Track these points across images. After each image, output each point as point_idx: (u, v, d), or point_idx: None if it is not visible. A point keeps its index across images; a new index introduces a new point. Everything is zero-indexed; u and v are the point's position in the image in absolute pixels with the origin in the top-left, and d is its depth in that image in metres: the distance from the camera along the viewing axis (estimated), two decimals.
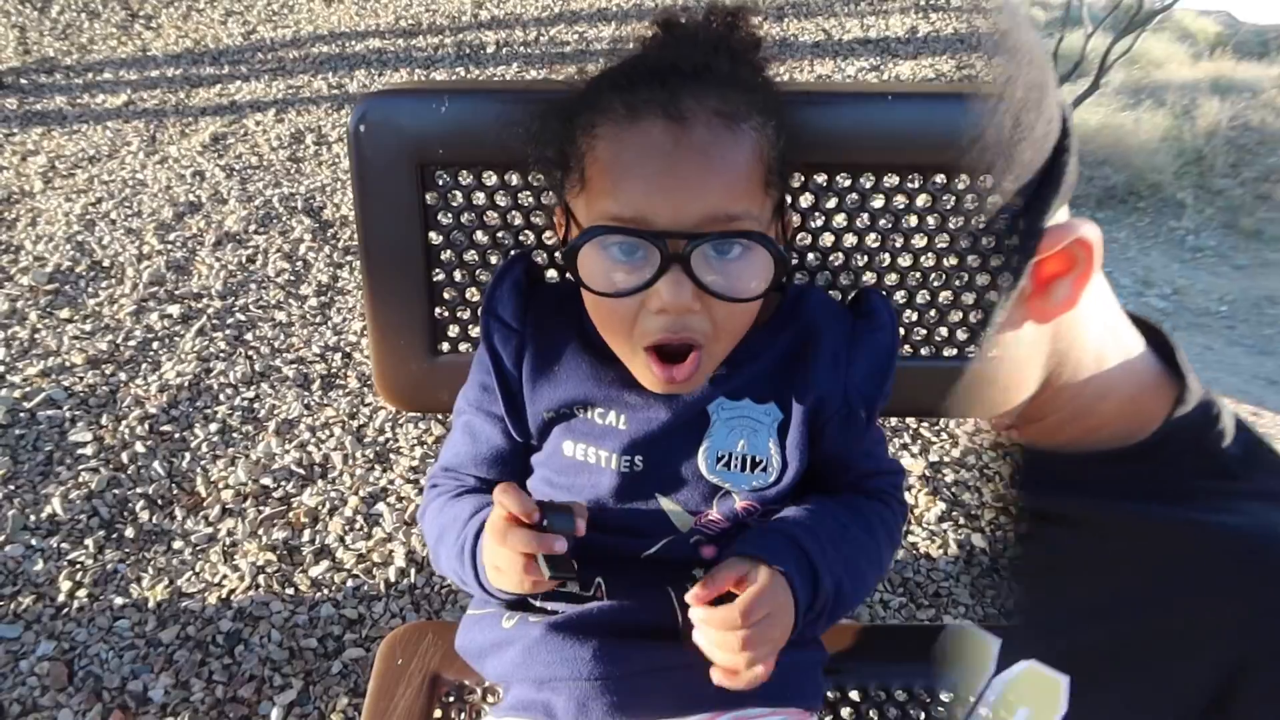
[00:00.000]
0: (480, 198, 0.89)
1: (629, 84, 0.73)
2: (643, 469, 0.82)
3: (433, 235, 0.90)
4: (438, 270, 0.92)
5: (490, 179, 0.88)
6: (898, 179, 0.89)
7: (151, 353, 2.32)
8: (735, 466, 0.81)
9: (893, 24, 4.59)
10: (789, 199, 0.85)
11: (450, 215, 0.90)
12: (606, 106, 0.72)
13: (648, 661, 0.80)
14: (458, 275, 0.93)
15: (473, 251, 0.92)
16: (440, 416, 2.03)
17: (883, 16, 4.71)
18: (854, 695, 0.95)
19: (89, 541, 1.77)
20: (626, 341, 0.76)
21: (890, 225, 0.91)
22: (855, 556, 0.81)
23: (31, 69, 4.21)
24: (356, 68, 4.21)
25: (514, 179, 0.88)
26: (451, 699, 0.92)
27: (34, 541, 1.77)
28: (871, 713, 0.94)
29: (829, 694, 0.95)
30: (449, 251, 0.91)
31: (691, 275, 0.71)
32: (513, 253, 0.92)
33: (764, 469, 0.81)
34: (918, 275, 0.93)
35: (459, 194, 0.89)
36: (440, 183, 0.88)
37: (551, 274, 0.92)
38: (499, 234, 0.91)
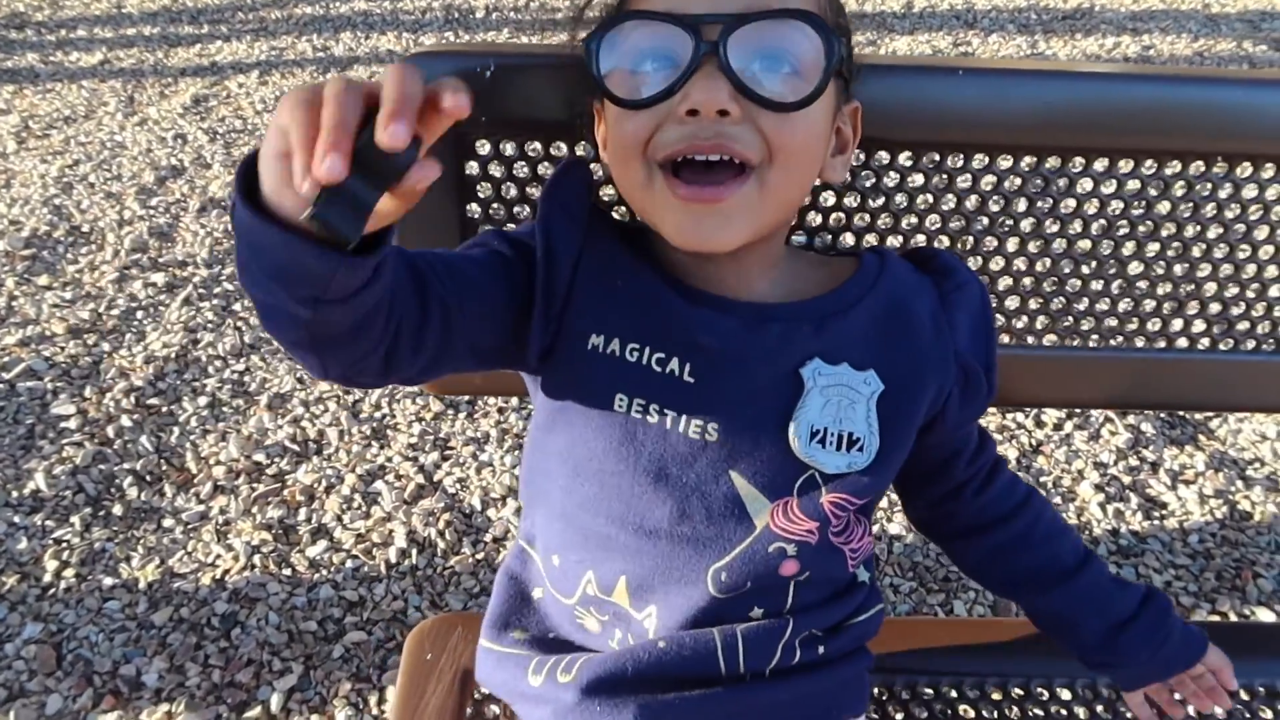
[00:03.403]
0: (523, 169, 0.84)
1: None
2: (716, 439, 0.68)
3: (471, 207, 0.84)
4: None
5: (534, 149, 0.83)
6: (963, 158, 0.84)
7: (136, 322, 2.24)
8: (830, 444, 0.69)
9: None
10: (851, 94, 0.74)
11: (490, 187, 0.84)
12: None
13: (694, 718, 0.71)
14: None
15: (512, 227, 0.86)
16: (445, 398, 1.98)
17: None
18: (903, 694, 0.92)
19: (75, 519, 1.71)
20: (643, 166, 0.65)
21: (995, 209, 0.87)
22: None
23: (0, 24, 4.06)
24: (342, 30, 4.10)
25: (560, 151, 0.83)
26: (484, 696, 0.88)
27: (17, 519, 1.70)
28: (917, 710, 0.91)
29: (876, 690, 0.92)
30: (487, 226, 0.86)
31: (728, 72, 0.61)
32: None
33: (860, 448, 0.70)
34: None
35: (500, 165, 0.83)
36: (481, 153, 0.83)
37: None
38: None
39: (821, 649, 0.75)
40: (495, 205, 0.85)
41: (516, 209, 0.86)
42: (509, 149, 0.83)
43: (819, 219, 0.87)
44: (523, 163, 0.83)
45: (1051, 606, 0.85)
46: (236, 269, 0.57)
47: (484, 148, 0.82)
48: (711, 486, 0.69)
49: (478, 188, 0.84)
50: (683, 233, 0.66)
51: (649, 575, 0.71)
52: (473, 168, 0.83)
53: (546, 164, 0.84)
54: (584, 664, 0.72)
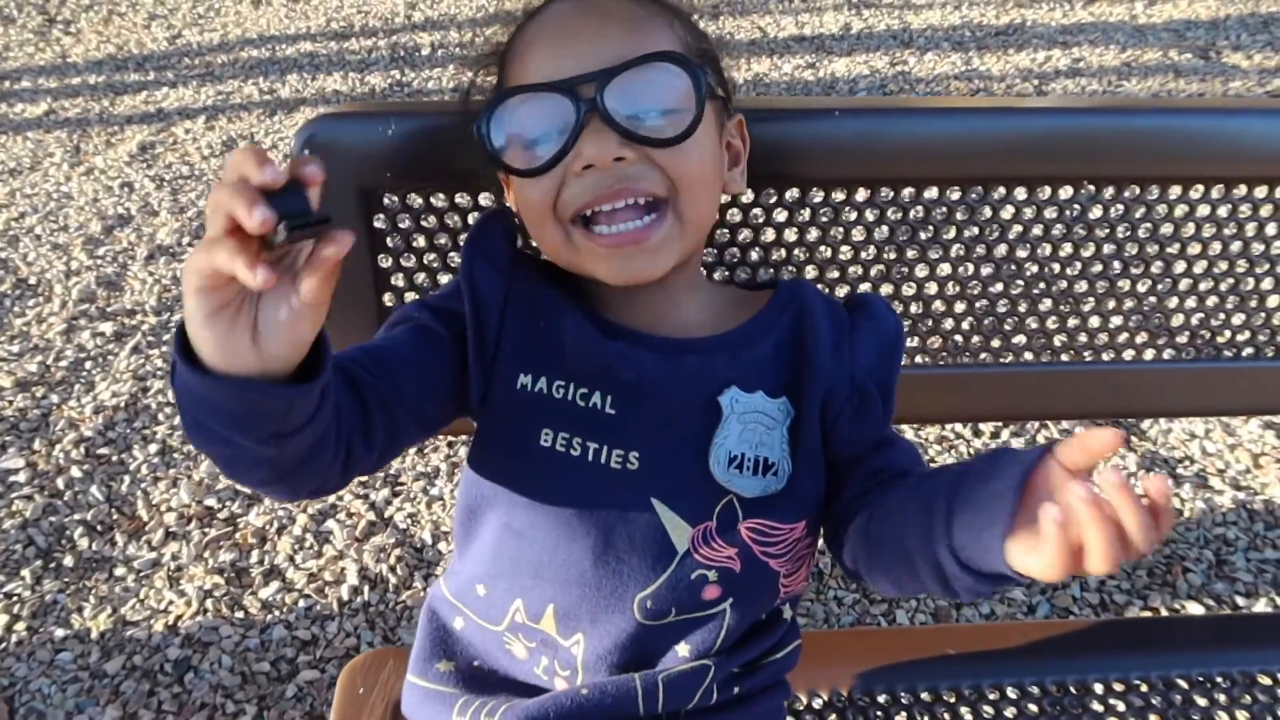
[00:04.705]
0: (430, 220, 0.88)
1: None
2: (638, 468, 0.71)
3: (382, 259, 0.88)
4: (389, 294, 0.90)
5: (439, 200, 0.87)
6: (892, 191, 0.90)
7: (84, 373, 2.25)
8: (747, 469, 0.72)
9: (826, 21, 4.64)
10: (730, 102, 0.79)
11: (399, 239, 0.88)
12: (522, 20, 0.75)
13: None
14: (409, 298, 0.91)
15: (423, 274, 0.90)
16: None
17: (816, 13, 4.75)
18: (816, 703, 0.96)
19: (25, 572, 1.72)
20: (557, 226, 0.71)
21: (908, 237, 0.92)
22: None
23: None
24: (288, 72, 4.13)
25: (464, 200, 0.87)
26: None
27: None
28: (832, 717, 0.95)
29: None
30: (400, 275, 0.90)
31: (612, 122, 0.67)
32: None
33: (774, 473, 0.72)
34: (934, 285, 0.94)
35: (408, 217, 0.88)
36: (388, 206, 0.87)
37: None
38: (450, 255, 0.90)
39: (737, 688, 0.77)
40: (405, 256, 0.89)
41: (427, 257, 0.90)
42: (415, 201, 0.87)
43: (714, 254, 0.92)
44: (430, 214, 0.88)
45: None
46: (188, 433, 0.60)
47: (390, 202, 0.87)
48: (635, 515, 0.72)
49: (388, 240, 0.88)
50: (616, 273, 0.72)
51: (576, 604, 0.73)
52: (381, 221, 0.87)
53: (453, 214, 0.88)
54: (508, 710, 0.74)
